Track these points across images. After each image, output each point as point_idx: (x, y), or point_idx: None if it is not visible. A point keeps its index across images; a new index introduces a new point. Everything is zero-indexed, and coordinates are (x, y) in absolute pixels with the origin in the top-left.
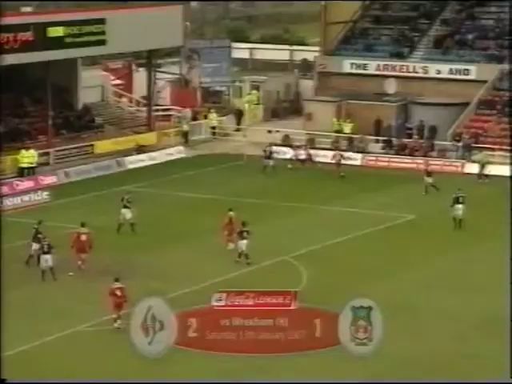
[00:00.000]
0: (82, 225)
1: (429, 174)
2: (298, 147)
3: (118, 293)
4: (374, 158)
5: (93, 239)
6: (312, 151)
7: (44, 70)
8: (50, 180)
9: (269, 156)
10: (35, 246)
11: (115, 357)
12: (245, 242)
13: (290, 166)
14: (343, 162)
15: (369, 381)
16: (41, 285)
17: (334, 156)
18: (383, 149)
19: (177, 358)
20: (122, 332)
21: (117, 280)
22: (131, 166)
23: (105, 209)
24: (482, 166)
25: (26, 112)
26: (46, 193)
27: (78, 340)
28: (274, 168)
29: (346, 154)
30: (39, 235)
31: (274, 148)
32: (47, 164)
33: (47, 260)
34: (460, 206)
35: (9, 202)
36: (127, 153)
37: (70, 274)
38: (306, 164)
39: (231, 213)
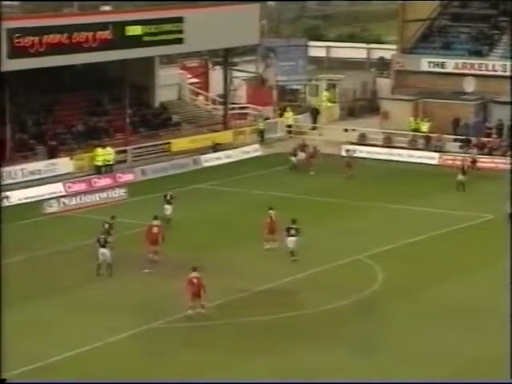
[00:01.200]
0: (155, 218)
1: (464, 172)
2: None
3: (195, 281)
4: (451, 157)
5: (163, 232)
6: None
7: (122, 68)
8: (127, 177)
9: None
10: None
11: (189, 355)
12: (293, 239)
13: (311, 173)
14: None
15: (440, 381)
16: (115, 281)
17: (345, 155)
18: (461, 148)
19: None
20: (197, 329)
21: (194, 269)
22: (207, 164)
23: (180, 206)
24: None
25: (104, 110)
26: (123, 190)
27: (153, 337)
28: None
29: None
30: (111, 230)
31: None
32: (124, 162)
33: (104, 253)
34: None
35: (87, 199)
36: (203, 151)
37: (145, 270)
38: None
39: (271, 211)
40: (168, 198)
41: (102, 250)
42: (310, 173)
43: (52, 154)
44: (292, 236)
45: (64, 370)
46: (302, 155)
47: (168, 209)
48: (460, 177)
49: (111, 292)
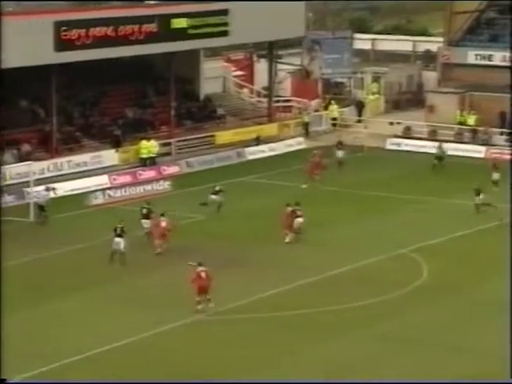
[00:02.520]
0: (162, 214)
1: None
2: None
3: (203, 275)
4: (498, 151)
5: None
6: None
7: (167, 61)
8: (172, 170)
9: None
10: (146, 224)
11: (235, 348)
12: (300, 220)
13: (304, 186)
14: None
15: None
16: (159, 273)
17: (313, 156)
18: (508, 141)
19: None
20: (243, 321)
21: (200, 264)
22: (251, 157)
23: (226, 199)
24: None
25: (149, 103)
26: (167, 182)
27: (199, 329)
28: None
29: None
30: (152, 214)
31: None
32: (169, 154)
33: (119, 243)
34: None
35: (131, 191)
36: (248, 144)
37: (190, 263)
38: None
39: (289, 208)
40: (217, 189)
41: (117, 240)
42: (302, 186)
43: (117, 144)
44: (299, 217)
45: (105, 363)
46: (339, 153)
47: (214, 199)
48: (495, 175)
49: (156, 284)
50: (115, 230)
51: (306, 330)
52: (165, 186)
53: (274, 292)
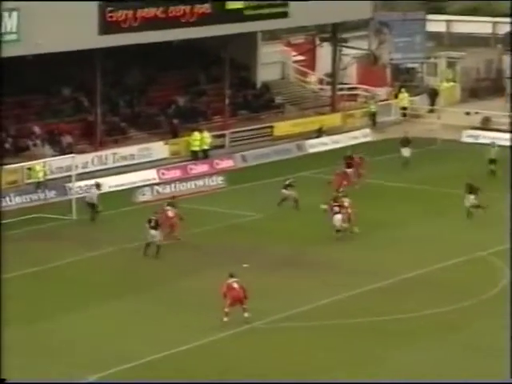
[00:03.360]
0: (169, 204)
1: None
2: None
3: (236, 286)
4: None
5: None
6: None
7: (221, 45)
8: (225, 164)
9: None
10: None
11: (289, 357)
12: (338, 216)
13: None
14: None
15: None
16: (211, 274)
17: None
18: None
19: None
20: (298, 330)
21: (232, 276)
22: (312, 150)
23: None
24: None
25: (201, 90)
26: (221, 178)
27: (252, 338)
28: None
29: None
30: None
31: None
32: (222, 147)
33: (154, 236)
34: None
35: (182, 187)
36: (308, 136)
37: (245, 265)
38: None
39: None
40: (287, 183)
41: (153, 232)
42: (321, 206)
43: (174, 134)
44: (338, 213)
45: (166, 369)
46: (405, 151)
47: (286, 193)
48: None
49: (207, 287)
50: (149, 221)
51: (366, 340)
52: (218, 181)
53: (335, 298)
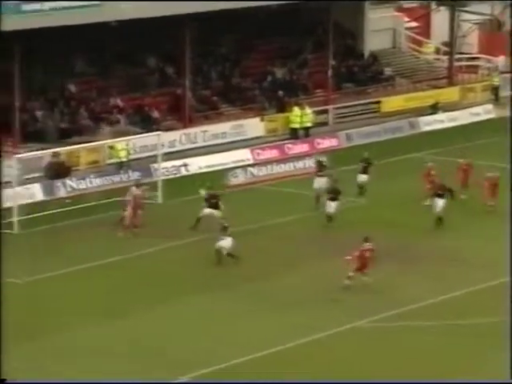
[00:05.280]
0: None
1: None
2: None
3: (367, 254)
4: None
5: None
6: None
7: (324, 9)
8: (328, 143)
9: None
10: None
11: (395, 358)
12: (440, 203)
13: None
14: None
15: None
16: (312, 268)
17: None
18: None
19: None
20: (405, 330)
21: (367, 240)
22: (427, 128)
23: (392, 179)
24: None
25: (302, 61)
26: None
27: (354, 338)
28: None
29: None
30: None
31: None
32: (325, 124)
33: (226, 243)
34: None
35: (279, 169)
36: (422, 112)
37: (347, 257)
38: None
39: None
40: (364, 164)
41: (223, 242)
42: (424, 203)
43: (282, 108)
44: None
45: (253, 371)
46: None
47: (363, 177)
48: None
49: (307, 281)
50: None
51: (470, 343)
52: None
53: (457, 294)
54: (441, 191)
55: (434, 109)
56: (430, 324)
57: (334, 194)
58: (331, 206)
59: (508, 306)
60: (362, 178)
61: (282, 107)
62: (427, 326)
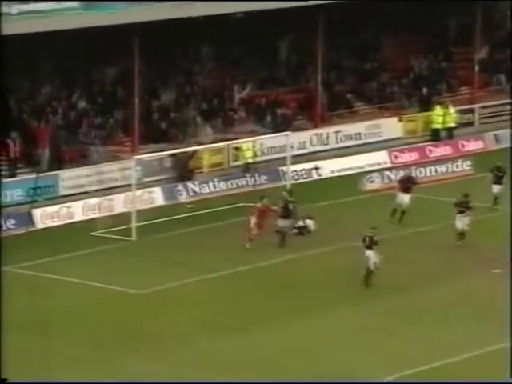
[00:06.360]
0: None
1: None
2: None
3: None
4: None
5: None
6: None
7: None
8: (474, 145)
9: None
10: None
11: None
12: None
13: None
14: None
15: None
16: (459, 281)
17: None
18: None
19: None
20: None
21: None
22: None
23: None
24: None
25: (445, 53)
26: (468, 162)
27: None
28: None
29: None
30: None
31: None
32: (471, 124)
33: (369, 257)
34: None
35: (419, 173)
36: None
37: (495, 271)
38: None
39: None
40: (497, 173)
41: (368, 253)
42: None
43: (426, 106)
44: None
45: None
46: None
47: (495, 188)
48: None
49: (455, 295)
50: (364, 239)
51: None
52: (464, 166)
53: None
54: None
55: None
56: None
57: (463, 208)
58: (461, 221)
59: None
60: (496, 188)
61: (426, 106)
62: None
